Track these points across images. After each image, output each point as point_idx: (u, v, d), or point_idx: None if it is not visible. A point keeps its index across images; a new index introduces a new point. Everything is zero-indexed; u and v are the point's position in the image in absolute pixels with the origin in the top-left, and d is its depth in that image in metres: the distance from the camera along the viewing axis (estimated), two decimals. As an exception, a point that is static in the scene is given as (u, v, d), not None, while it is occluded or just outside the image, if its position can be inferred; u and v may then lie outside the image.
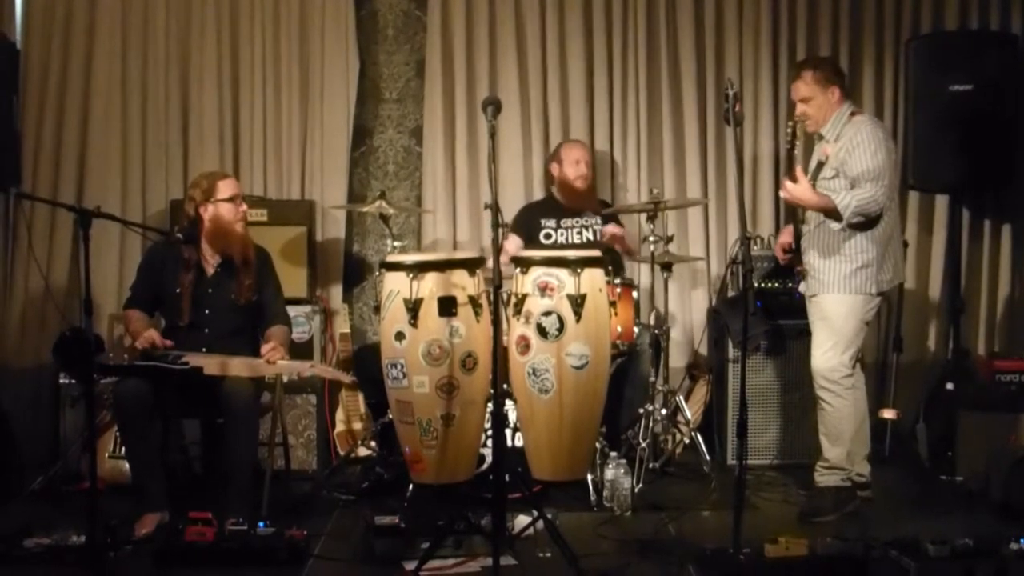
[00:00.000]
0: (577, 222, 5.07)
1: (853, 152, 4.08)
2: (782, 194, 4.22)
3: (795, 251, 4.34)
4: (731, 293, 5.26)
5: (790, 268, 4.45)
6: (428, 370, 3.87)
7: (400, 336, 3.90)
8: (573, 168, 5.03)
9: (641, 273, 5.27)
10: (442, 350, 3.86)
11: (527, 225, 5.08)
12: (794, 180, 4.07)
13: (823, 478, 4.23)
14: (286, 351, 4.20)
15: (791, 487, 4.56)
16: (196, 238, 4.19)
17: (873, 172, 4.03)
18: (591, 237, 5.04)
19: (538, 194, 5.41)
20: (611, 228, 4.92)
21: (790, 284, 4.70)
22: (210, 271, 4.25)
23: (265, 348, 4.11)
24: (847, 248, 4.12)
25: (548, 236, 5.08)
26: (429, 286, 3.87)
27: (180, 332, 4.19)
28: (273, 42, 5.36)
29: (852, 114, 4.20)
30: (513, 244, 4.90)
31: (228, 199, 4.19)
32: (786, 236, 4.43)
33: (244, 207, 4.28)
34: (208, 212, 4.18)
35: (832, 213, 4.06)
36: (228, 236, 4.20)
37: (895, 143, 4.43)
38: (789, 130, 4.15)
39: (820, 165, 4.22)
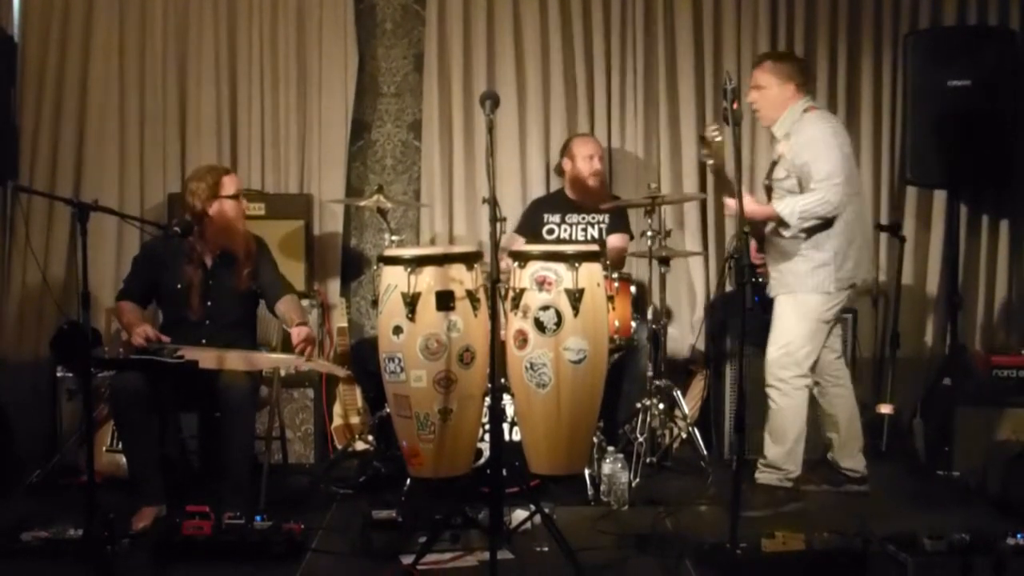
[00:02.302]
0: (583, 219, 5.04)
1: (801, 153, 4.06)
2: (726, 212, 4.19)
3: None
4: (729, 288, 5.26)
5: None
6: (426, 364, 3.86)
7: (398, 330, 3.89)
8: (586, 164, 4.97)
9: (639, 268, 5.27)
10: (440, 344, 3.86)
11: (532, 221, 5.06)
12: (731, 196, 4.06)
13: (761, 475, 4.24)
14: (303, 316, 4.24)
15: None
16: (194, 232, 4.17)
17: (822, 174, 4.02)
18: (595, 235, 5.02)
19: (535, 189, 5.40)
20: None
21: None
22: (209, 263, 4.26)
23: (297, 337, 4.09)
24: (804, 248, 4.11)
25: (551, 231, 5.06)
26: (427, 280, 3.87)
27: (182, 325, 4.19)
28: (271, 36, 5.35)
29: (806, 111, 4.17)
30: (515, 245, 4.86)
31: (232, 196, 4.22)
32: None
33: (245, 202, 4.36)
34: (214, 208, 4.19)
35: (780, 220, 4.06)
36: (231, 232, 4.22)
37: (848, 137, 4.32)
38: (698, 142, 4.14)
39: (774, 164, 4.21)
